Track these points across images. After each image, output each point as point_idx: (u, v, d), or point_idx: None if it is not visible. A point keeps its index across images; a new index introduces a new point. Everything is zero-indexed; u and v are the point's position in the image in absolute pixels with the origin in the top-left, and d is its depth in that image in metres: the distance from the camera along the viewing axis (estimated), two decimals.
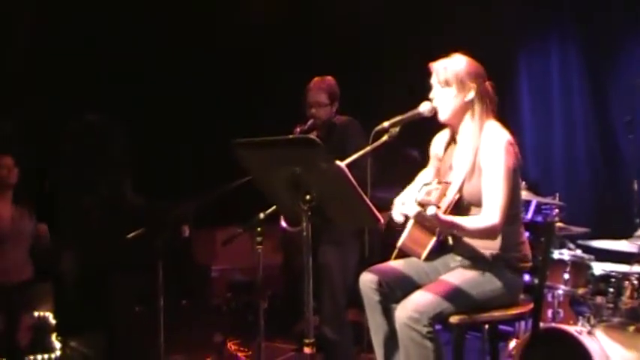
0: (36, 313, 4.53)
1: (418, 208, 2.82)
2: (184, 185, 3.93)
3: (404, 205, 3.08)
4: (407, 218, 3.06)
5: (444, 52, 3.22)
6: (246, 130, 2.86)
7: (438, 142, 3.36)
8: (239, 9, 6.64)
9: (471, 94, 3.12)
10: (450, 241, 3.18)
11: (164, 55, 6.43)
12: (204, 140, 6.27)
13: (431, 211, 2.76)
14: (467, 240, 3.13)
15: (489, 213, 2.97)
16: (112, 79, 6.13)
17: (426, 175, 3.35)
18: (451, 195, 3.02)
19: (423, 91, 3.22)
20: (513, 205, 3.08)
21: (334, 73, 4.46)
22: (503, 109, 3.27)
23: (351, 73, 5.90)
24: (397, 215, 3.14)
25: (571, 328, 3.85)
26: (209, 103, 6.61)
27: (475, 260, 3.13)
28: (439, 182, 2.99)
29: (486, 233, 3.01)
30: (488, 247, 3.11)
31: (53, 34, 6.07)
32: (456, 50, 3.22)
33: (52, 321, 4.57)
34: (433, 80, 3.19)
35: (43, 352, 4.49)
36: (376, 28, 6.30)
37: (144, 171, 5.79)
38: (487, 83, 3.18)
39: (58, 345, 4.57)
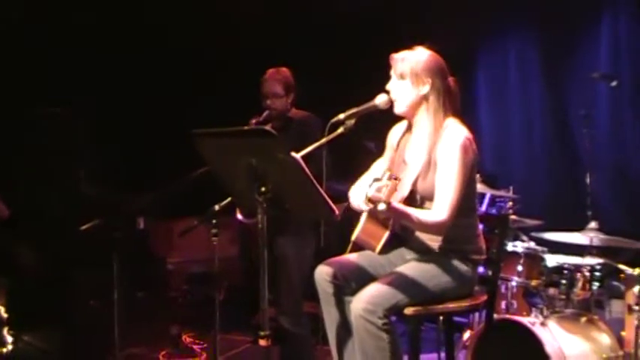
0: None
1: (369, 205, 2.79)
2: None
3: (357, 197, 3.08)
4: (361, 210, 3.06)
5: (407, 46, 3.19)
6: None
7: (395, 133, 3.35)
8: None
9: (425, 89, 3.10)
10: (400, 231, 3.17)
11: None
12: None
13: (381, 208, 2.74)
14: (419, 234, 3.14)
15: (439, 209, 2.98)
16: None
17: (380, 164, 3.32)
18: (402, 191, 3.01)
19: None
20: (469, 199, 3.11)
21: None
22: (461, 103, 3.28)
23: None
24: (355, 202, 3.15)
25: (524, 319, 3.90)
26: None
27: (430, 253, 3.15)
28: (390, 178, 2.97)
29: (432, 228, 3.03)
30: (440, 240, 3.12)
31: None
32: (415, 44, 3.19)
33: (4, 315, 4.48)
34: (392, 72, 3.17)
35: None
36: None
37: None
38: (450, 79, 3.15)
39: (10, 339, 4.49)
